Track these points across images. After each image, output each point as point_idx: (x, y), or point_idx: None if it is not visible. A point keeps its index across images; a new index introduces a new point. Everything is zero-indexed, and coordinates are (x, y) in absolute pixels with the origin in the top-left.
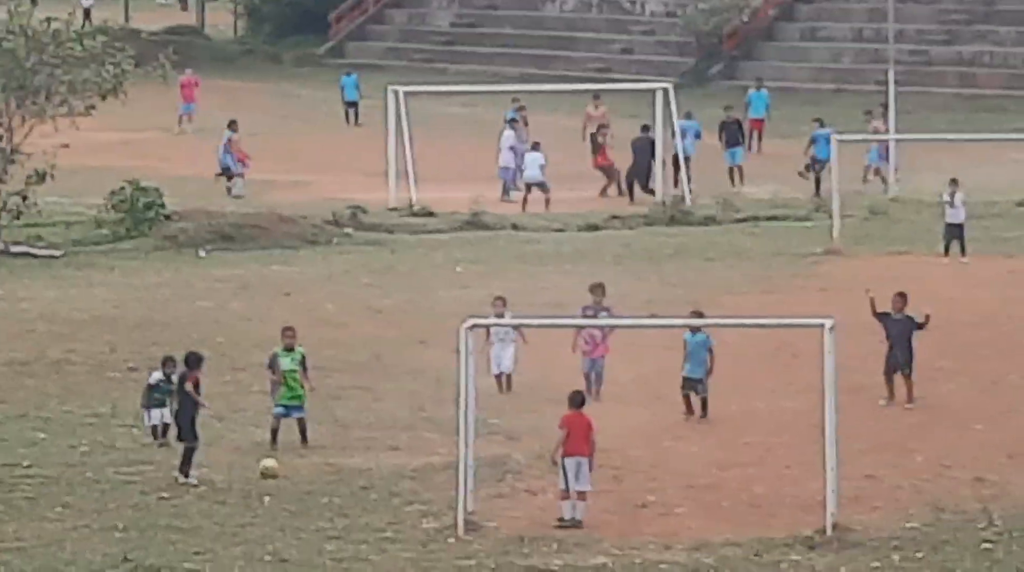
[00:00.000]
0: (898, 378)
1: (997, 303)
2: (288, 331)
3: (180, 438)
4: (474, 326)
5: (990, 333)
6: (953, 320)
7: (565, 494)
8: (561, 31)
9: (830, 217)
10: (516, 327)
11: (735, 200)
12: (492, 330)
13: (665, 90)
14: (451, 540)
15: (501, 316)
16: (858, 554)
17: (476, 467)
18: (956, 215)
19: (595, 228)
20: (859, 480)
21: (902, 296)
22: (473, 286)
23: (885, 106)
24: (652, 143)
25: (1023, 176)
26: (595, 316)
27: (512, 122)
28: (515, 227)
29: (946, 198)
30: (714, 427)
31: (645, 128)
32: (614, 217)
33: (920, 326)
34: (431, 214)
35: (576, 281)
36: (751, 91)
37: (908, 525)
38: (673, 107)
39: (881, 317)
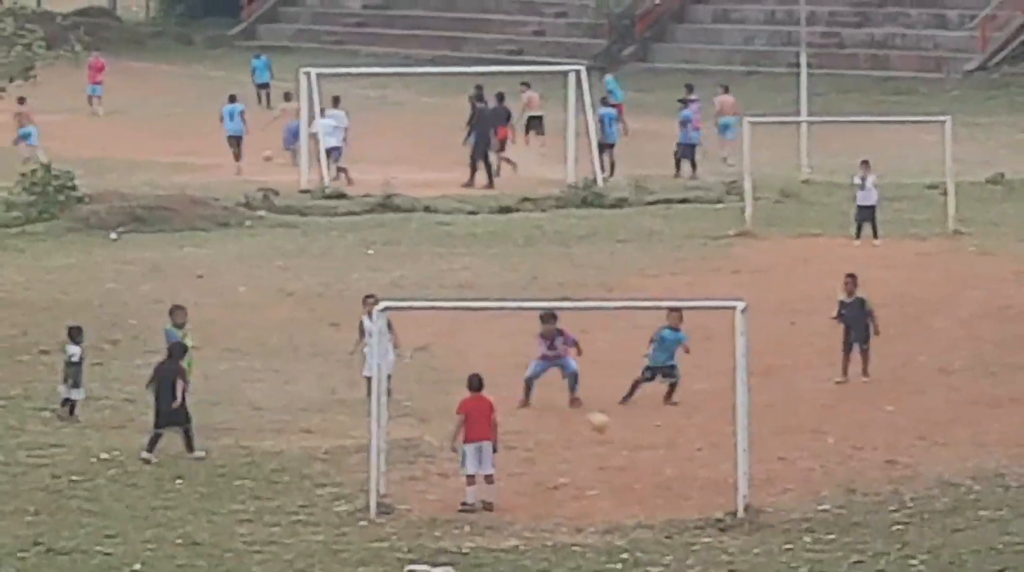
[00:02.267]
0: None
1: (908, 285)
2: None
3: (168, 424)
4: (386, 309)
5: (901, 315)
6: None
7: (471, 479)
8: (473, 13)
9: (742, 199)
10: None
11: (648, 182)
12: (367, 330)
13: (578, 72)
14: (363, 523)
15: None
16: (769, 536)
17: (388, 449)
18: (868, 197)
19: (508, 210)
20: (771, 462)
21: (853, 278)
22: (385, 269)
23: (725, 87)
24: (505, 114)
25: (934, 158)
26: (552, 343)
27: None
28: (427, 209)
29: (857, 180)
30: (626, 409)
31: (500, 97)
32: (526, 199)
33: (870, 315)
34: (343, 196)
35: (488, 263)
36: (607, 78)
37: (820, 507)
38: (586, 89)
39: (839, 305)
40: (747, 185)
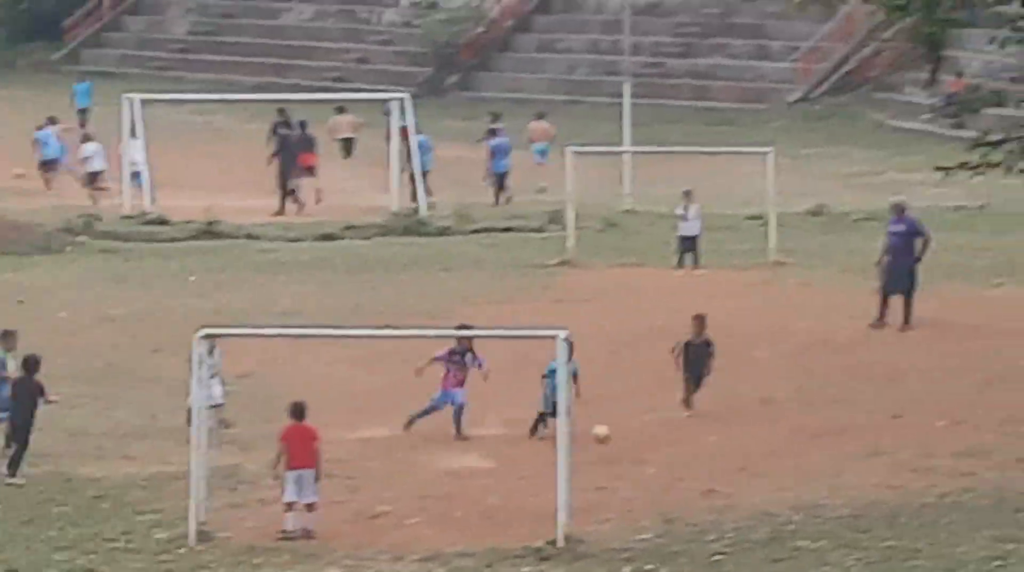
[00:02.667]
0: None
1: (730, 316)
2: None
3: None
4: (208, 336)
5: (723, 346)
6: (686, 331)
7: (290, 507)
8: (298, 40)
9: (565, 228)
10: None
11: (471, 211)
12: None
13: (402, 100)
14: (183, 550)
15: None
16: (589, 565)
17: (209, 477)
18: (690, 228)
19: (331, 238)
20: (591, 491)
21: (701, 319)
22: (207, 295)
23: (539, 114)
24: (309, 141)
25: (756, 189)
26: (462, 358)
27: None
28: (250, 236)
29: (680, 210)
30: (449, 438)
31: (303, 124)
32: (349, 227)
33: (710, 357)
34: (165, 222)
35: (312, 290)
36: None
37: (640, 537)
38: (409, 117)
39: (685, 348)
40: (570, 214)
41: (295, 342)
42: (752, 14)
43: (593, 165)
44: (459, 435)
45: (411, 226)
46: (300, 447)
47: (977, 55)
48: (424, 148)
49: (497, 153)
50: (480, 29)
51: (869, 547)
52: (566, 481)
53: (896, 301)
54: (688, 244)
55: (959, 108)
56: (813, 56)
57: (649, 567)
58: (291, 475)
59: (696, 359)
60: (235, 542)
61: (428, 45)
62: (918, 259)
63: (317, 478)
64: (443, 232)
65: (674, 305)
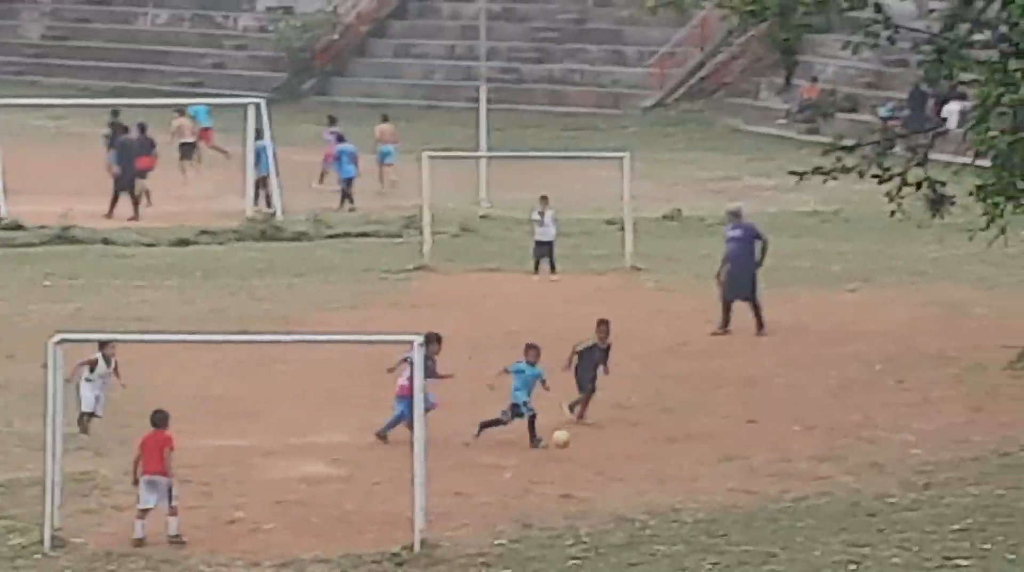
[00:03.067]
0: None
1: (586, 320)
2: None
3: None
4: (62, 341)
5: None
6: (542, 336)
7: (142, 513)
8: (153, 45)
9: (421, 234)
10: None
11: (328, 217)
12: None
13: (257, 105)
14: (38, 556)
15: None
16: (446, 570)
17: (63, 482)
18: (546, 233)
19: (186, 243)
20: (448, 496)
21: (606, 324)
22: (63, 300)
23: (384, 116)
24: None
25: (612, 194)
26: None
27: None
28: (106, 242)
29: (536, 216)
30: (303, 444)
31: (142, 127)
32: (204, 232)
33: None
34: (20, 227)
35: (167, 295)
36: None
37: (496, 542)
38: (265, 122)
39: (587, 352)
40: (426, 220)
41: (151, 347)
42: (607, 20)
43: (450, 170)
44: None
45: (267, 231)
46: (153, 454)
47: (831, 60)
48: (350, 156)
49: (344, 158)
50: (336, 35)
51: (725, 551)
52: (422, 486)
53: (742, 307)
54: (544, 249)
55: (813, 113)
56: (668, 61)
57: (506, 571)
58: (143, 481)
59: (590, 365)
60: (90, 548)
61: (284, 50)
62: (759, 264)
63: (170, 485)
64: (299, 237)
65: (530, 310)
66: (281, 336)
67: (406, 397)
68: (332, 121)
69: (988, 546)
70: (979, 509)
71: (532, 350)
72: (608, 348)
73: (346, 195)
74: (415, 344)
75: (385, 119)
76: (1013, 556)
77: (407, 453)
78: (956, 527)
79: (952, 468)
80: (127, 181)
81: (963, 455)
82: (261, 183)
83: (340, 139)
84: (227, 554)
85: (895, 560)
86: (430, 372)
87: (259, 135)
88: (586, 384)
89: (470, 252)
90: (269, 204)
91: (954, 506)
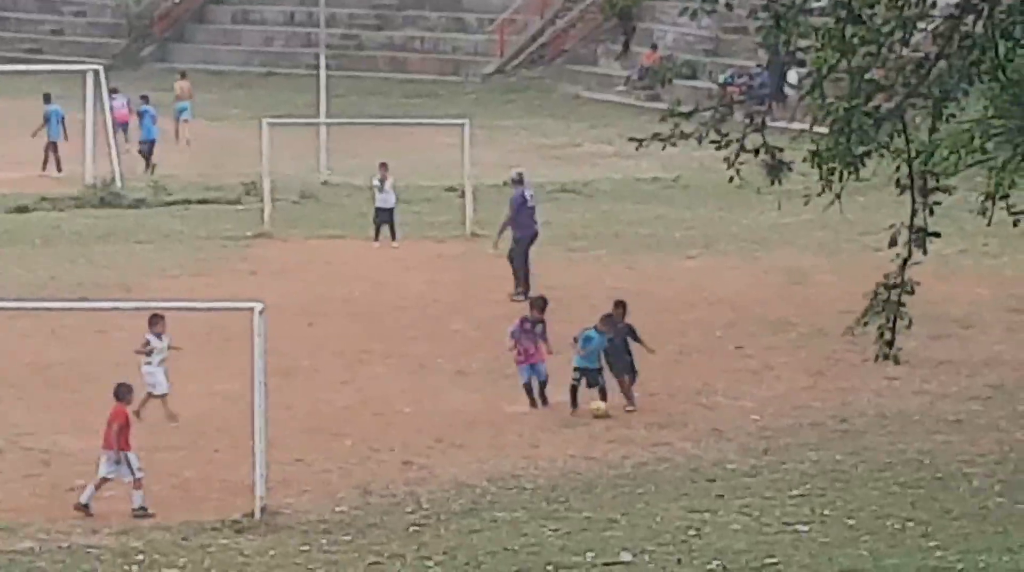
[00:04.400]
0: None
1: (426, 287)
2: None
3: None
4: None
5: (419, 316)
6: (383, 303)
7: (100, 483)
8: None
9: (261, 200)
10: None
11: (167, 182)
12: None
13: (96, 71)
14: None
15: None
16: (286, 537)
17: None
18: (386, 200)
19: (24, 210)
20: (289, 464)
21: (622, 305)
22: None
23: (182, 73)
24: None
25: (453, 161)
26: (532, 329)
27: None
28: None
29: (376, 183)
30: (143, 411)
31: None
32: (44, 199)
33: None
34: None
35: (5, 263)
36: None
37: (337, 509)
38: (103, 88)
39: (610, 342)
40: (266, 186)
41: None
42: None
43: (290, 137)
44: (546, 405)
45: (106, 198)
46: (109, 428)
47: (670, 28)
48: (149, 116)
49: (145, 119)
50: (175, 0)
51: (566, 517)
52: (262, 453)
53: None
54: (385, 216)
55: (653, 80)
56: (508, 28)
57: (346, 538)
58: (103, 453)
59: (618, 350)
60: None
61: (122, 17)
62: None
63: (118, 460)
64: (138, 204)
65: (371, 277)
66: (120, 302)
67: (530, 364)
68: (145, 99)
69: (827, 512)
70: (819, 474)
71: (607, 318)
72: (632, 330)
73: (147, 156)
74: (255, 311)
75: (183, 76)
76: (852, 521)
77: (247, 421)
78: (795, 492)
79: (791, 434)
80: None
81: (802, 421)
82: (51, 148)
83: (146, 99)
84: (66, 522)
85: (734, 526)
86: (541, 336)
87: (48, 99)
88: (621, 371)
89: (311, 219)
90: (59, 169)
91: (793, 472)
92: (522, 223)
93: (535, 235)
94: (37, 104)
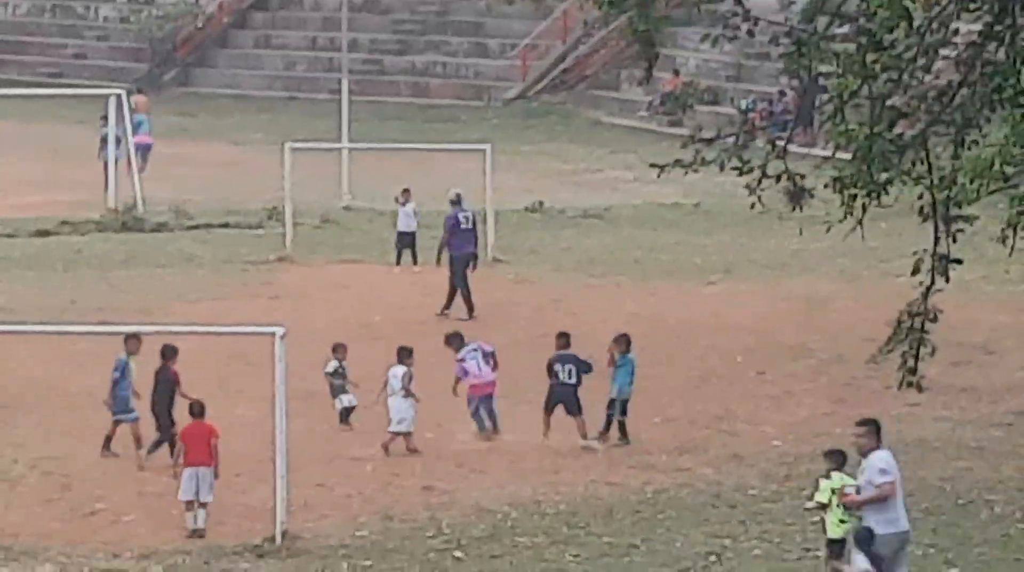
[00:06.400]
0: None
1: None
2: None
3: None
4: None
5: (440, 342)
6: (404, 327)
7: (189, 505)
8: (13, 35)
9: (283, 225)
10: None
11: (188, 207)
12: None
13: (118, 96)
14: None
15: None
16: (307, 562)
17: None
18: (408, 224)
19: (46, 233)
20: (310, 488)
21: (564, 336)
22: None
23: (139, 88)
24: None
25: (474, 186)
26: (564, 365)
27: None
28: None
29: (399, 200)
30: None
31: None
32: (64, 223)
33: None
34: None
35: (27, 287)
36: None
37: (358, 533)
38: (126, 113)
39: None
40: (287, 211)
41: (8, 338)
42: (470, 12)
43: (312, 162)
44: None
45: (128, 222)
46: (197, 445)
47: (693, 54)
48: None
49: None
50: (197, 25)
51: (586, 543)
52: (284, 478)
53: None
54: (406, 240)
55: (674, 106)
56: (530, 54)
57: (367, 563)
58: (187, 472)
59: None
60: None
61: (146, 41)
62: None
63: (216, 476)
64: (160, 228)
65: (393, 301)
66: (141, 327)
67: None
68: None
69: None
70: None
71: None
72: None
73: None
74: (277, 336)
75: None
76: None
77: (268, 445)
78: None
79: (812, 460)
80: None
81: (823, 447)
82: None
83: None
84: (87, 545)
85: (756, 551)
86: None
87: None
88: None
89: (332, 243)
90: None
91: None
92: (455, 244)
93: (471, 255)
94: (55, 128)
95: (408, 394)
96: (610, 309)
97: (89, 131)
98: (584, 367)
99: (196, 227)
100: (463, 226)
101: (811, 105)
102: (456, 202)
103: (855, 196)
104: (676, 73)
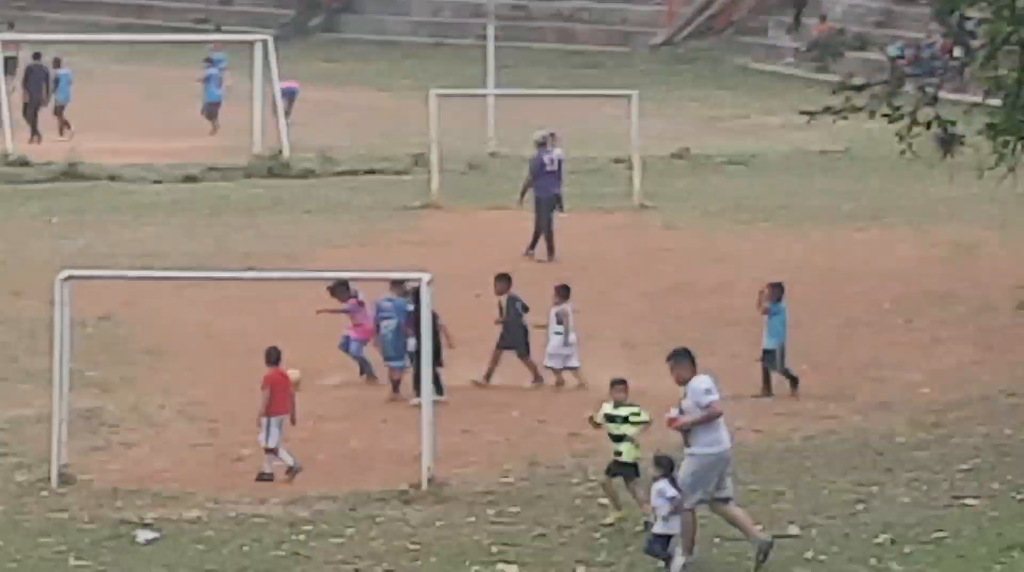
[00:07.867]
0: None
1: (594, 258)
2: None
3: None
4: (70, 278)
5: (587, 288)
6: (549, 274)
7: (271, 452)
8: None
9: (429, 171)
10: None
11: (334, 153)
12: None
13: (264, 42)
14: (44, 493)
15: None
16: (453, 508)
17: (70, 419)
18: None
19: (193, 179)
20: (456, 435)
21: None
22: (70, 237)
23: None
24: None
25: (621, 132)
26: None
27: None
28: (113, 178)
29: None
30: (307, 382)
31: (36, 55)
32: (212, 169)
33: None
34: (27, 164)
35: (174, 232)
36: None
37: (503, 480)
38: (272, 60)
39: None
40: (433, 157)
41: (155, 284)
42: None
43: (457, 108)
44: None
45: (274, 168)
46: (282, 392)
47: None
48: (215, 79)
49: (212, 81)
50: None
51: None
52: (430, 424)
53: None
54: None
55: (822, 52)
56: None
57: (513, 509)
58: (275, 420)
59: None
60: (97, 485)
61: None
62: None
63: (293, 421)
64: (306, 174)
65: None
66: (288, 273)
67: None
68: (209, 62)
69: (996, 485)
70: (987, 448)
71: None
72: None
73: (214, 117)
74: (423, 281)
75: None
76: (1021, 496)
77: (410, 394)
78: (964, 466)
79: (960, 407)
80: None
81: (971, 394)
82: (58, 111)
83: (211, 62)
84: (234, 491)
85: (903, 499)
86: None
87: (58, 63)
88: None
89: (478, 190)
90: (62, 133)
91: (962, 445)
92: (540, 186)
93: (555, 197)
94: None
95: (560, 332)
96: (757, 256)
97: (239, 78)
98: None
99: (342, 173)
100: (548, 168)
101: (964, 51)
102: (542, 143)
103: (1007, 142)
104: (823, 19)
